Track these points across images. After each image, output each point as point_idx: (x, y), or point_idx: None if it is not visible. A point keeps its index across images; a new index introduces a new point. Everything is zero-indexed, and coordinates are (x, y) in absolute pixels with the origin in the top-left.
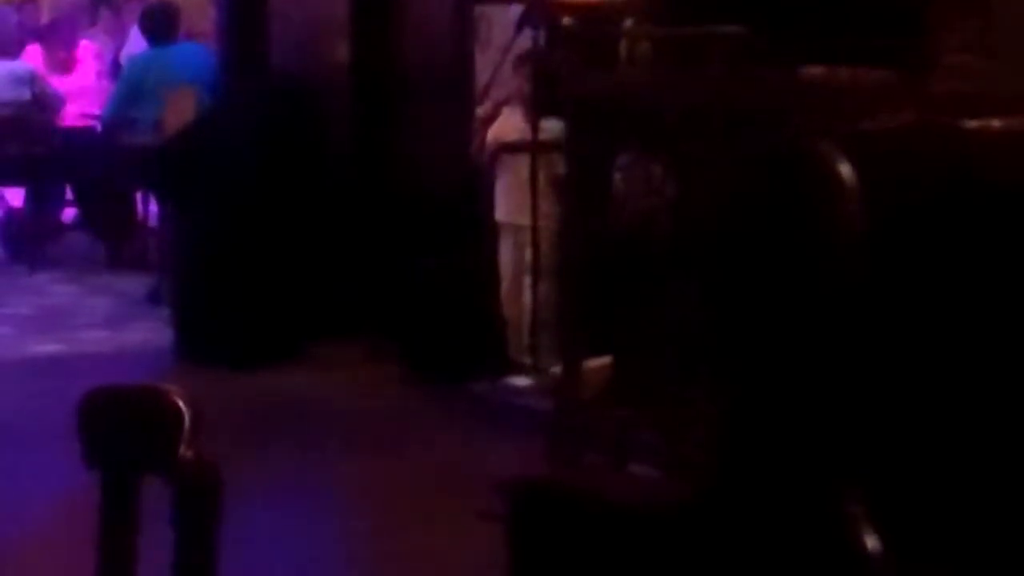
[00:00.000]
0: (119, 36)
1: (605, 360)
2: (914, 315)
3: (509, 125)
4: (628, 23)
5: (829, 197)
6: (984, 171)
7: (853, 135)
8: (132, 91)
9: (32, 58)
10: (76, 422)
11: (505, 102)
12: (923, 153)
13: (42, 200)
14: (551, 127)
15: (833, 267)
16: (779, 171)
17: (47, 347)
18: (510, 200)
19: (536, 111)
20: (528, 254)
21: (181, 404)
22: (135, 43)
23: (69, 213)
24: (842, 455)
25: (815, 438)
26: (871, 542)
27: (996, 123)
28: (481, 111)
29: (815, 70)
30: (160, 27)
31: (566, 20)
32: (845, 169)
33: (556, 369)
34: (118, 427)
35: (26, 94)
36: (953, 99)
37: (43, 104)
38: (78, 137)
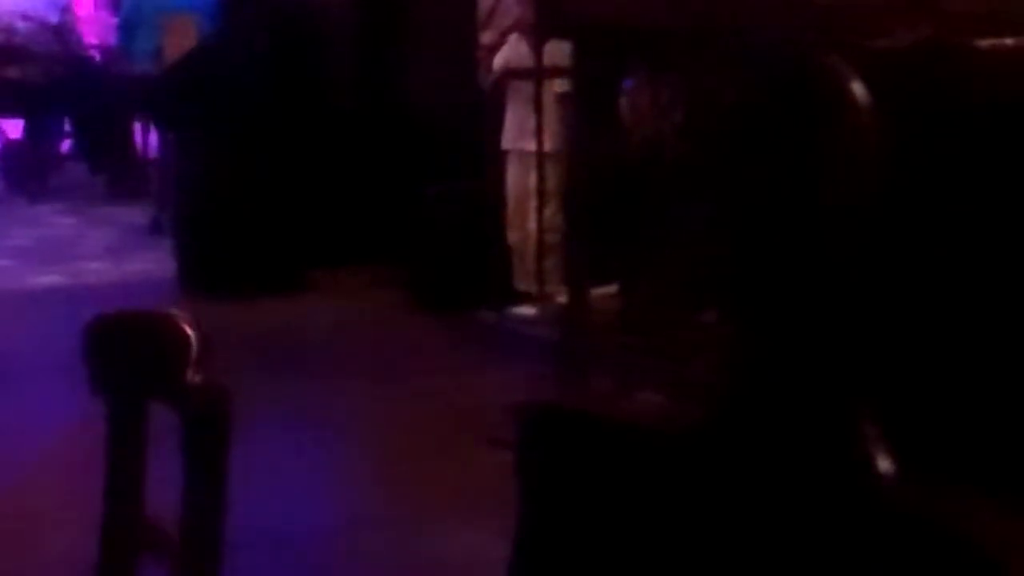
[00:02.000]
0: None
1: (611, 288)
2: (926, 235)
3: (516, 52)
4: None
5: (841, 116)
6: (996, 90)
7: (864, 53)
8: (127, 22)
9: None
10: (82, 349)
11: (511, 30)
12: (935, 71)
13: (41, 131)
14: (560, 50)
15: (845, 186)
16: (790, 90)
17: (48, 278)
18: (518, 127)
19: (540, 36)
20: (534, 179)
21: (188, 329)
22: None
23: (68, 144)
24: (855, 374)
25: (827, 359)
26: (884, 463)
27: (1008, 42)
28: (487, 39)
29: None
30: None
31: None
32: (857, 88)
33: (562, 298)
34: (125, 353)
35: (53, 18)
36: (966, 18)
37: (62, 35)
38: (77, 67)
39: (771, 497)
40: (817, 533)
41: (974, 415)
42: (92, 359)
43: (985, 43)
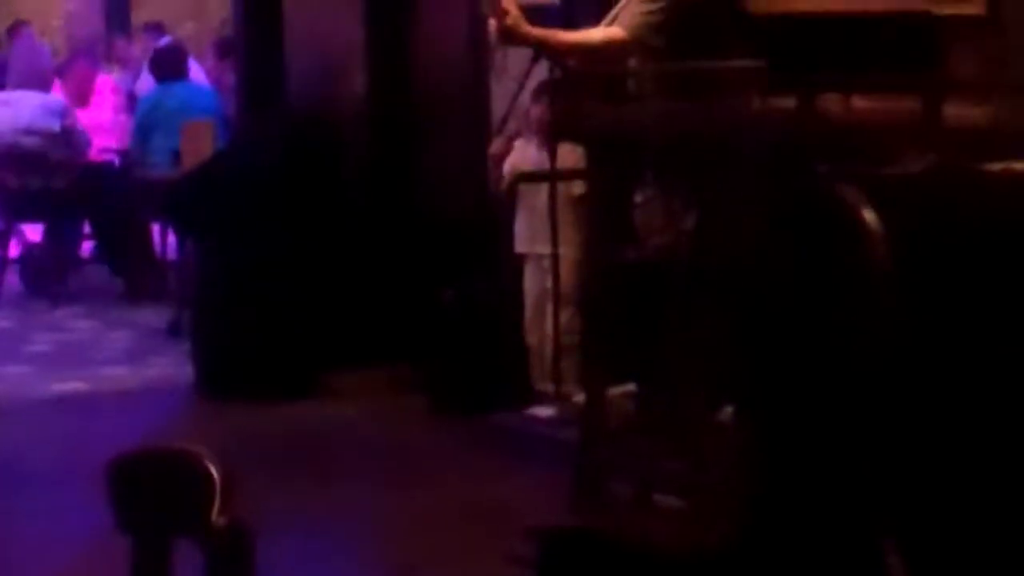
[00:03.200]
0: (134, 67)
1: (629, 387)
2: (942, 357)
3: (523, 156)
4: (634, 62)
5: (856, 244)
6: (1006, 214)
7: (877, 180)
8: (142, 125)
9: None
10: (106, 487)
11: (517, 135)
12: (946, 197)
13: (61, 235)
14: (572, 153)
15: (862, 310)
16: (805, 216)
17: (68, 385)
18: (530, 230)
19: (553, 139)
20: (550, 282)
21: (212, 468)
22: (148, 78)
23: (87, 247)
24: (873, 493)
25: (845, 476)
26: None
27: (1017, 165)
28: (494, 148)
29: (832, 102)
30: (165, 66)
31: (572, 62)
32: (870, 216)
33: (579, 398)
34: (150, 493)
35: (56, 127)
36: (971, 133)
37: (70, 139)
38: (96, 171)
39: None
40: None
41: (995, 542)
42: (117, 498)
43: (994, 167)
